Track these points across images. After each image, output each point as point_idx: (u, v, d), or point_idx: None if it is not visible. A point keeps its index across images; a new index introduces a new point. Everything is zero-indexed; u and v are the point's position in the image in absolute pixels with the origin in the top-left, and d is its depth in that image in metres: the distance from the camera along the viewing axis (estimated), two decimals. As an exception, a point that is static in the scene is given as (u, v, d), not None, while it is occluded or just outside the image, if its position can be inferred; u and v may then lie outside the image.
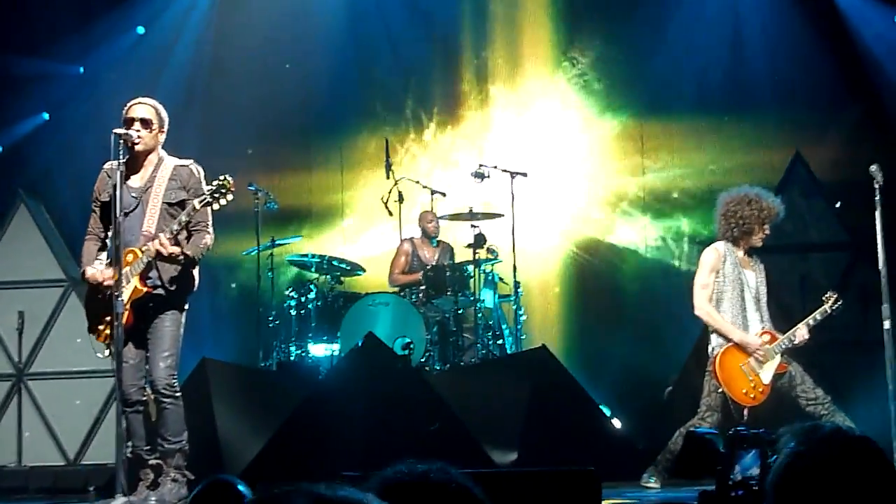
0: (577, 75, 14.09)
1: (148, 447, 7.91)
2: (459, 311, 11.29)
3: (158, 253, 7.56)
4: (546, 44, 14.11)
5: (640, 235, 13.95)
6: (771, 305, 9.33)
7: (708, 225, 13.58)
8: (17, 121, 12.42)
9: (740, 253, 8.79)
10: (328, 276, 11.84)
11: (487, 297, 11.65)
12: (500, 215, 11.74)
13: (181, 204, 7.83)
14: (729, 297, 8.67)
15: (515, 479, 5.49)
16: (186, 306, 8.01)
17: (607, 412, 10.09)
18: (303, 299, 11.62)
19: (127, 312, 7.59)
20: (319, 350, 11.29)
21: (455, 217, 11.95)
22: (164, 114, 8.01)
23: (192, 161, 8.04)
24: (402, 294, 11.41)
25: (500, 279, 11.92)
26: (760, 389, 8.51)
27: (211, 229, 7.90)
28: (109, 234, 7.93)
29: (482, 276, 11.55)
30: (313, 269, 11.79)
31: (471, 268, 11.38)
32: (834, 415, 8.41)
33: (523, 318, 11.69)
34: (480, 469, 7.15)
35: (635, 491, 8.07)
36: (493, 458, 8.58)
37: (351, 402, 8.76)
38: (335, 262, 11.83)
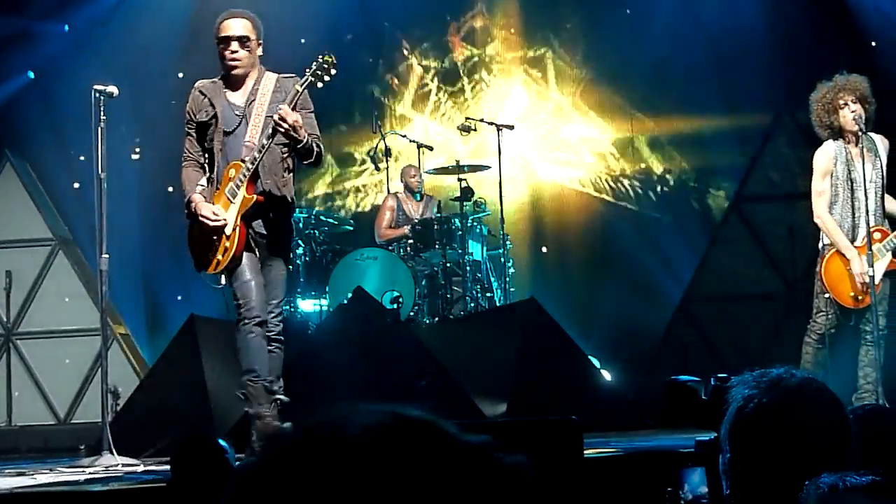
0: (565, 34, 14.08)
1: (272, 378, 7.24)
2: (448, 265, 11.28)
3: (280, 124, 6.84)
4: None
5: (630, 188, 13.96)
6: (773, 248, 9.25)
7: (696, 174, 13.65)
8: (1, 81, 12.34)
9: (853, 147, 8.29)
10: (316, 232, 11.82)
11: (476, 250, 11.64)
12: (486, 167, 11.73)
13: None
14: (841, 199, 8.30)
15: (497, 429, 5.50)
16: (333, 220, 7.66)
17: (597, 363, 10.11)
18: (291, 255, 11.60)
19: (240, 229, 7.14)
20: (308, 305, 11.28)
21: (442, 171, 11.93)
22: (261, 24, 7.36)
23: (294, 75, 7.36)
24: (390, 248, 11.41)
25: (489, 232, 11.91)
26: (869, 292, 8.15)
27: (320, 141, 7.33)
28: (208, 155, 7.38)
29: (470, 228, 11.54)
30: (301, 225, 11.78)
31: (458, 221, 11.36)
32: (877, 350, 8.08)
33: (511, 270, 11.69)
34: (469, 420, 7.18)
35: (624, 441, 8.09)
36: (483, 410, 8.60)
37: (340, 356, 8.77)
38: (323, 217, 11.81)
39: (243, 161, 7.11)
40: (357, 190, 14.10)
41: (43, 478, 7.04)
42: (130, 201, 11.81)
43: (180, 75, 11.72)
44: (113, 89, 7.74)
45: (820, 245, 8.43)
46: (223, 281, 7.30)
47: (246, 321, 7.11)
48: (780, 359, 7.98)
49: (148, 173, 12.63)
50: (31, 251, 11.23)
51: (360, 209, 13.75)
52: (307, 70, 7.12)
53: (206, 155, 7.38)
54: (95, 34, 12.60)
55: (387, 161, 12.12)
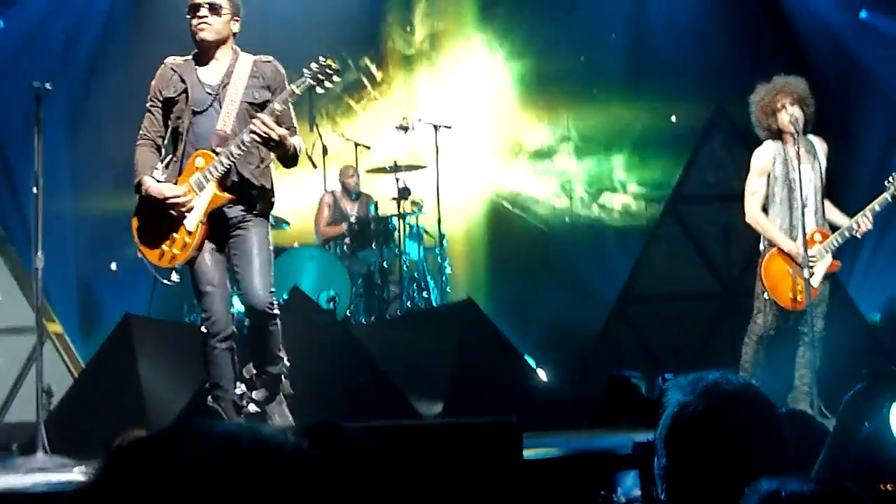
0: (501, 30, 14.10)
1: (239, 391, 6.92)
2: (384, 264, 11.28)
3: (258, 133, 6.50)
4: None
5: (564, 187, 14.01)
6: (709, 249, 9.29)
7: (632, 175, 13.72)
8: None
9: (792, 149, 8.26)
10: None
11: (412, 250, 11.65)
12: (423, 167, 11.73)
13: (263, 106, 6.77)
14: (779, 199, 8.36)
15: (436, 432, 5.49)
16: (271, 220, 7.08)
17: (533, 363, 10.13)
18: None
19: (203, 227, 6.70)
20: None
21: (379, 170, 11.91)
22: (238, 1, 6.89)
23: (272, 58, 7.00)
24: (327, 247, 11.39)
25: (426, 231, 11.91)
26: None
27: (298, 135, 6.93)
28: (171, 135, 6.88)
29: (407, 228, 11.54)
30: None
31: (395, 220, 11.36)
32: (813, 351, 8.14)
33: (448, 270, 11.71)
34: (404, 421, 7.17)
35: (561, 441, 8.10)
36: (419, 410, 8.59)
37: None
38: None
39: (214, 153, 6.68)
40: (293, 188, 14.04)
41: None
42: (64, 197, 11.69)
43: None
44: (48, 85, 7.64)
45: (761, 246, 8.51)
46: (175, 277, 6.92)
47: (210, 336, 6.79)
48: (716, 360, 8.08)
49: (82, 168, 12.52)
50: (-39, 249, 11.07)
51: (295, 208, 13.69)
52: (305, 72, 6.73)
53: (171, 135, 6.91)
54: (31, 31, 12.46)
55: (323, 159, 12.08)
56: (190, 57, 6.94)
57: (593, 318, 11.53)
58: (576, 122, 14.00)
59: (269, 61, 6.95)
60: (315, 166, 12.12)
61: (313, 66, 6.71)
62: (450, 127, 11.35)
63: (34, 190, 7.72)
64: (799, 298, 8.28)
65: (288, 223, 12.00)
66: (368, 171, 11.97)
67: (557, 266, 13.31)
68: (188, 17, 6.80)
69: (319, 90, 6.87)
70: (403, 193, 11.36)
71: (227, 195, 6.73)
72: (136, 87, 7.40)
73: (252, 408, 6.96)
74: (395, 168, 11.56)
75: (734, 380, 2.72)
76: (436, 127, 11.22)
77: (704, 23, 13.02)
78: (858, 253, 11.27)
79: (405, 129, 11.34)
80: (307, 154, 11.88)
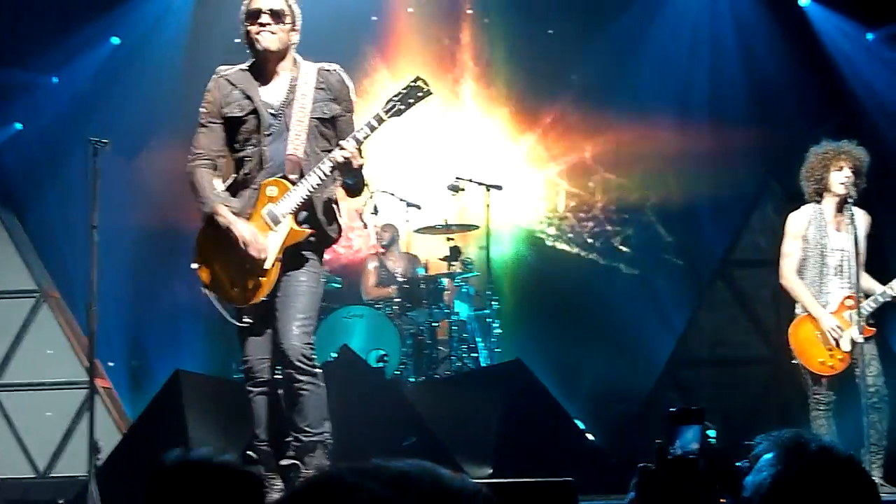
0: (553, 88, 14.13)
1: (269, 443, 6.51)
2: (434, 324, 11.26)
3: (343, 164, 6.09)
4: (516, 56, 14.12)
5: (615, 248, 13.97)
6: (759, 313, 9.23)
7: (677, 234, 13.65)
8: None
9: (830, 213, 8.33)
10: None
11: (462, 310, 11.64)
12: (475, 227, 11.72)
13: (333, 121, 6.36)
14: (811, 263, 8.32)
15: (494, 490, 5.45)
16: (326, 258, 6.59)
17: (582, 426, 10.07)
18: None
19: (279, 265, 6.23)
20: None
21: (429, 230, 11.89)
22: (297, 8, 6.43)
23: (337, 66, 6.51)
24: (376, 307, 11.38)
25: (476, 292, 11.90)
26: (840, 357, 8.17)
27: None
28: (233, 157, 6.43)
29: (457, 288, 11.54)
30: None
31: (445, 280, 11.36)
32: (881, 413, 8.04)
33: (498, 330, 11.67)
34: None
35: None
36: (468, 472, 8.54)
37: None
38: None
39: (288, 180, 6.22)
40: (345, 247, 14.07)
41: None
42: (121, 254, 11.76)
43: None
44: (106, 141, 7.68)
45: (797, 310, 8.45)
46: (247, 319, 6.36)
47: (246, 381, 6.48)
48: (765, 425, 7.97)
49: (140, 227, 12.62)
50: (14, 302, 11.14)
51: (347, 266, 13.70)
52: (393, 96, 6.24)
53: (234, 156, 6.44)
54: (86, 86, 12.61)
55: (374, 219, 12.09)
56: (246, 67, 6.48)
57: (643, 380, 11.49)
58: (631, 185, 13.98)
59: (333, 70, 6.47)
60: (366, 226, 12.14)
61: (402, 88, 6.25)
62: (500, 187, 11.35)
63: (90, 244, 7.73)
64: (830, 363, 8.20)
65: (340, 282, 11.99)
66: (418, 231, 11.96)
67: (607, 326, 13.23)
68: (245, 25, 6.36)
69: (406, 114, 6.24)
70: (454, 253, 11.35)
71: (305, 230, 6.28)
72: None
73: (285, 462, 6.47)
74: (447, 227, 11.56)
75: (837, 452, 2.64)
76: (487, 187, 11.23)
77: (760, 88, 13.01)
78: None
79: (456, 188, 11.33)
80: (358, 214, 11.91)
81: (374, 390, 9.17)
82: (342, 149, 6.11)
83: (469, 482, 1.45)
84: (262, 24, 6.28)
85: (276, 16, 6.30)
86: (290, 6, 6.40)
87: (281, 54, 6.37)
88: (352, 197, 6.60)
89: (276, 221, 6.23)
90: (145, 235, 12.63)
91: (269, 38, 6.29)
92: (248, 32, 6.37)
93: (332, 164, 6.14)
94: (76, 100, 12.40)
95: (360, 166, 6.17)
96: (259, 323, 6.37)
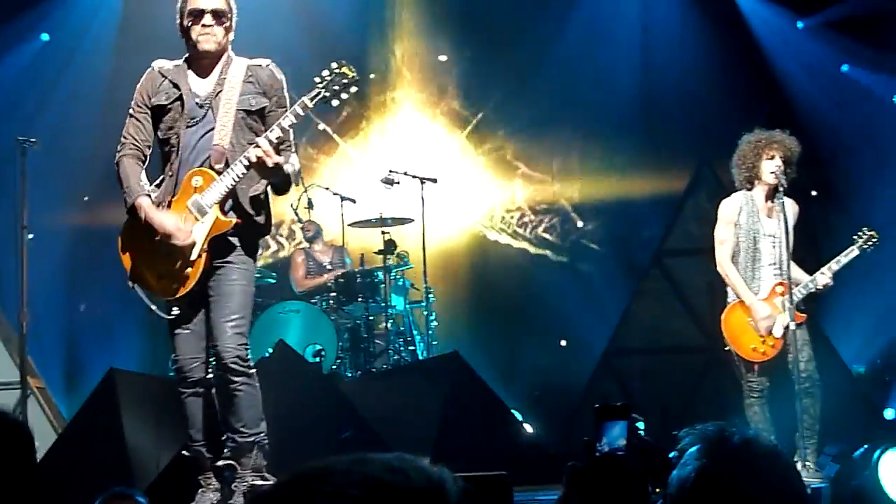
0: (483, 84, 14.15)
1: (204, 443, 6.44)
2: (370, 318, 11.25)
3: (256, 163, 5.99)
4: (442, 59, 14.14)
5: (551, 240, 14.02)
6: (694, 302, 9.29)
7: (617, 232, 13.75)
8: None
9: (760, 200, 8.40)
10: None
11: (398, 303, 11.64)
12: (410, 220, 11.71)
13: (261, 113, 6.30)
14: (743, 249, 8.36)
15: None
16: (259, 254, 6.46)
17: (519, 417, 10.10)
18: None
19: (205, 255, 6.13)
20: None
21: (364, 223, 11.86)
22: (234, 5, 6.39)
23: (270, 60, 6.44)
24: (312, 301, 11.35)
25: (411, 285, 11.90)
26: (771, 343, 8.24)
27: (295, 151, 6.39)
28: (160, 146, 6.34)
29: (392, 281, 11.52)
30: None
31: (381, 274, 11.34)
32: (812, 398, 8.09)
33: (434, 323, 11.67)
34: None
35: (548, 494, 8.06)
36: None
37: (263, 410, 8.68)
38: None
39: (214, 170, 6.15)
40: (277, 242, 14.02)
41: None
42: (52, 253, 11.63)
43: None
44: (34, 140, 7.59)
45: (729, 297, 8.51)
46: (175, 311, 6.26)
47: (177, 381, 6.42)
48: (701, 412, 8.05)
49: (71, 225, 12.50)
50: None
51: (279, 261, 13.63)
52: (316, 82, 6.16)
53: (160, 146, 6.37)
54: (15, 84, 12.46)
55: (310, 214, 12.06)
56: (181, 62, 6.43)
57: (580, 370, 11.53)
58: (562, 173, 14.04)
59: (264, 65, 6.42)
60: (300, 220, 12.10)
61: (325, 73, 6.15)
62: (435, 180, 11.33)
63: (20, 245, 7.64)
64: (762, 350, 8.27)
65: (275, 277, 11.95)
66: (352, 225, 11.92)
67: (543, 318, 13.30)
68: (188, 23, 6.29)
69: (334, 103, 6.16)
70: (389, 247, 11.34)
71: (230, 220, 6.20)
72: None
73: (221, 462, 6.43)
74: (382, 221, 11.54)
75: (761, 443, 2.64)
76: (421, 180, 11.21)
77: (692, 79, 13.10)
78: (841, 304, 11.26)
79: (391, 182, 11.30)
80: (292, 208, 11.86)
81: (311, 385, 9.14)
82: (256, 146, 6.05)
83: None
84: (204, 26, 6.25)
85: (218, 16, 6.27)
86: (229, 5, 6.37)
87: (219, 53, 6.36)
88: (279, 194, 6.50)
89: (203, 212, 6.16)
90: (77, 233, 12.52)
91: (210, 41, 6.26)
92: (188, 30, 6.32)
93: (246, 164, 6.09)
94: (4, 97, 12.23)
95: (277, 165, 6.07)
96: (190, 321, 6.30)
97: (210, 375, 6.44)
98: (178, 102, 6.30)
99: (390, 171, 11.33)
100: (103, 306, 12.35)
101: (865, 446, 6.86)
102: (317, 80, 6.17)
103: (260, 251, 6.63)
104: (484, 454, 8.61)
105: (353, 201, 11.93)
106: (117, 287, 7.36)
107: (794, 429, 8.06)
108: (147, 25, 11.86)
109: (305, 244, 12.36)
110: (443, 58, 14.18)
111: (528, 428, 10.20)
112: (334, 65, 6.16)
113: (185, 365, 6.34)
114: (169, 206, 6.24)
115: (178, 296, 6.23)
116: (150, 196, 6.27)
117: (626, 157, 13.47)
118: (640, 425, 3.16)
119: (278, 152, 6.12)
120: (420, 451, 8.75)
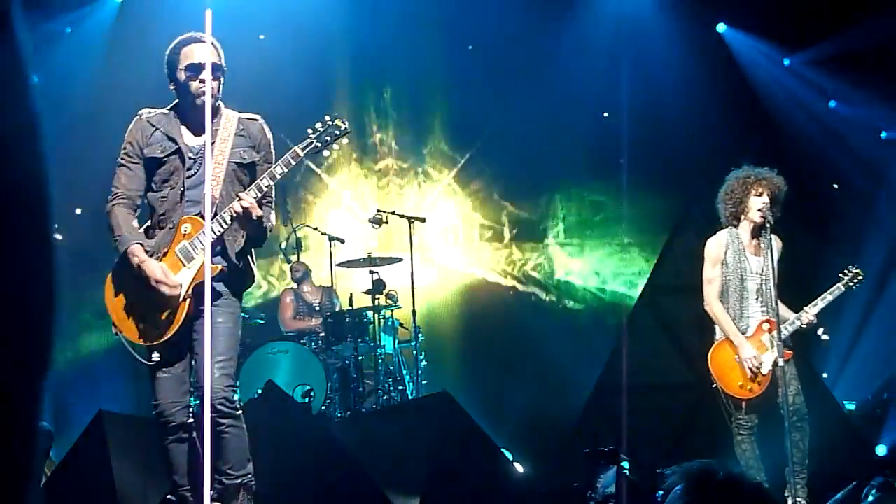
0: (471, 122, 14.19)
1: (189, 487, 6.43)
2: (360, 358, 11.23)
3: (241, 214, 6.06)
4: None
5: (539, 279, 14.02)
6: (684, 339, 9.28)
7: (605, 269, 13.75)
8: None
9: (746, 237, 8.47)
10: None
11: (388, 343, 11.62)
12: (398, 260, 11.71)
13: (251, 167, 6.39)
14: (731, 288, 8.40)
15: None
16: (244, 314, 6.43)
17: (509, 456, 10.07)
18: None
19: (189, 301, 6.18)
20: (218, 400, 11.15)
21: (353, 264, 11.86)
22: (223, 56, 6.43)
23: (259, 116, 6.55)
24: (301, 342, 11.32)
25: (400, 324, 11.88)
26: (758, 381, 8.27)
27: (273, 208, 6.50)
28: (150, 198, 6.36)
29: (381, 321, 11.51)
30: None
31: (370, 314, 11.33)
32: (801, 432, 8.11)
33: (423, 363, 11.65)
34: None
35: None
36: (396, 506, 8.50)
37: (252, 451, 8.64)
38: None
39: (202, 218, 6.17)
40: (267, 282, 14.01)
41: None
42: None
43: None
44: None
45: (716, 335, 8.52)
46: (156, 357, 6.25)
47: (158, 427, 6.43)
48: (692, 450, 8.04)
49: (56, 266, 12.44)
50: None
51: (269, 302, 13.63)
52: (308, 133, 6.30)
53: (153, 197, 6.38)
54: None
55: (298, 253, 12.06)
56: (169, 111, 6.47)
57: (570, 408, 11.50)
58: (552, 212, 14.06)
59: (255, 119, 6.53)
60: (289, 261, 12.10)
61: (318, 125, 6.29)
62: (423, 220, 11.35)
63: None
64: (749, 387, 8.26)
65: (263, 318, 11.94)
66: (341, 265, 11.92)
67: (532, 356, 13.28)
68: (185, 77, 6.31)
69: (325, 152, 6.24)
70: (378, 286, 11.33)
71: (216, 266, 6.22)
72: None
73: None
74: (370, 261, 11.53)
75: (743, 480, 2.65)
76: (409, 219, 11.22)
77: (680, 117, 13.14)
78: (834, 343, 11.26)
79: (379, 222, 11.31)
80: (281, 248, 11.86)
81: (300, 426, 9.10)
82: (241, 199, 6.13)
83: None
84: (202, 81, 6.26)
85: (214, 70, 6.28)
86: (221, 58, 6.41)
87: (211, 104, 6.35)
88: (255, 246, 6.55)
89: (189, 258, 6.22)
90: (62, 276, 12.47)
91: (208, 94, 6.24)
92: (185, 83, 6.34)
93: (229, 217, 6.16)
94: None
95: (259, 218, 6.16)
96: (171, 366, 6.34)
97: (190, 420, 6.45)
98: (176, 155, 6.34)
99: (378, 211, 11.35)
100: (91, 348, 12.30)
101: (853, 483, 6.86)
102: (309, 130, 6.29)
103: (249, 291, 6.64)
104: (474, 493, 8.58)
105: (342, 241, 11.92)
106: (103, 330, 7.30)
107: (784, 464, 8.05)
108: (137, 40, 11.90)
109: (294, 285, 12.35)
110: (430, 99, 14.19)
111: (519, 467, 10.15)
112: (328, 117, 6.28)
113: (165, 409, 6.36)
114: (163, 256, 6.28)
115: (160, 341, 6.26)
116: (141, 245, 6.29)
117: (613, 194, 13.49)
118: (625, 465, 3.16)
119: (261, 206, 6.21)
120: (411, 490, 8.73)
